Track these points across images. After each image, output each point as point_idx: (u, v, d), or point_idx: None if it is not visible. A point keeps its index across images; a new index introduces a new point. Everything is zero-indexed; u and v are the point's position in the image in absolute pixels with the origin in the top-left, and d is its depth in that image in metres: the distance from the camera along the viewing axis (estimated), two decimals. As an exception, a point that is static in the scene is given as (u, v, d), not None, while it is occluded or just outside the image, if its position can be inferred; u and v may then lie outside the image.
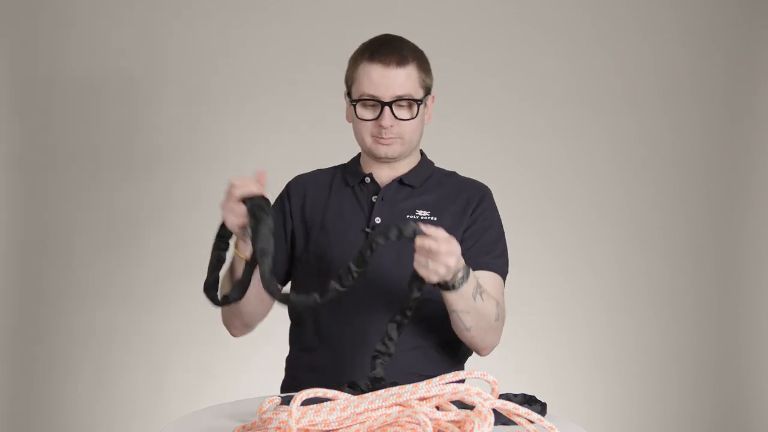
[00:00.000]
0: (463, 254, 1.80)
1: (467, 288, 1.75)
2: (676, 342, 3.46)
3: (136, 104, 3.27)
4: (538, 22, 3.42)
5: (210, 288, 1.89)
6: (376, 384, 1.60)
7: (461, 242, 1.90)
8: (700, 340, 3.48)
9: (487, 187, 2.08)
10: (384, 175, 2.03)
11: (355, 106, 1.97)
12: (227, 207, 1.83)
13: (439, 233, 1.65)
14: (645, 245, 3.45)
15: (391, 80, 1.92)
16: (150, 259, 3.27)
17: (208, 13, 3.29)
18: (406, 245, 1.69)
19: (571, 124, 3.43)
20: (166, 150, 3.28)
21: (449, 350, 1.98)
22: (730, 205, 3.50)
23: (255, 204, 1.76)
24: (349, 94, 2.00)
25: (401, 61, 1.94)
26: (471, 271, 1.75)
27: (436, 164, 2.11)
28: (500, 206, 2.09)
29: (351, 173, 2.06)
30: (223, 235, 1.89)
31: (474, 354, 2.02)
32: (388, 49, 1.94)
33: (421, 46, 2.04)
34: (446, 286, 1.73)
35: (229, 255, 1.94)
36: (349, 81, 1.99)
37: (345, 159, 2.12)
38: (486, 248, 1.99)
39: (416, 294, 1.68)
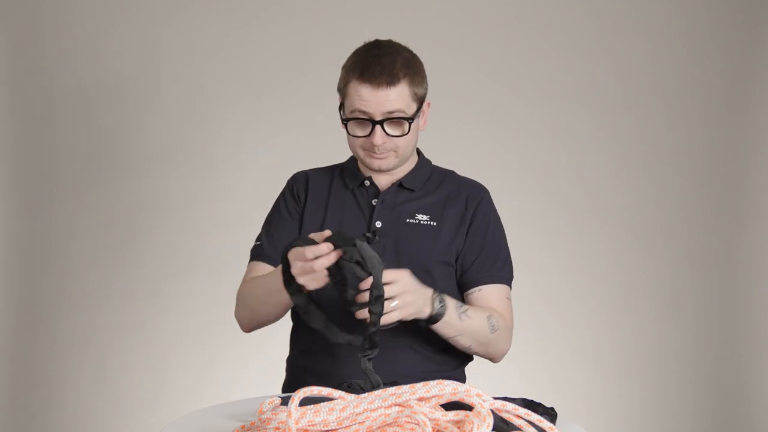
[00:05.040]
0: (468, 268, 1.94)
1: (450, 314, 1.82)
2: (676, 342, 3.46)
3: (136, 105, 3.27)
4: (537, 23, 3.42)
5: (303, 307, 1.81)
6: (374, 381, 1.60)
7: (463, 251, 1.96)
8: (700, 340, 3.48)
9: (484, 188, 2.08)
10: (383, 178, 2.03)
11: (346, 123, 1.95)
12: (308, 277, 1.70)
13: (392, 278, 1.69)
14: (645, 245, 3.45)
15: (382, 99, 1.89)
16: (150, 259, 3.27)
17: (207, 14, 3.29)
18: (405, 251, 1.80)
19: (571, 124, 3.43)
20: (166, 150, 3.28)
21: (450, 355, 1.99)
22: (729, 205, 3.50)
23: (341, 265, 1.66)
24: (342, 105, 1.97)
25: (391, 81, 1.89)
26: (445, 296, 1.82)
27: (435, 162, 2.11)
28: (499, 207, 2.09)
29: (350, 176, 2.05)
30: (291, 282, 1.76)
31: (476, 357, 2.03)
32: (378, 67, 1.89)
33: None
34: (430, 319, 1.80)
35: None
36: (342, 94, 1.97)
37: (344, 158, 2.12)
38: (489, 260, 1.99)
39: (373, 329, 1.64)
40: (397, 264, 1.87)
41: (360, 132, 1.94)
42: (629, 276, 3.45)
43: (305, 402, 1.33)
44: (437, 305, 1.80)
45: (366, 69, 1.89)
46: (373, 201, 2.00)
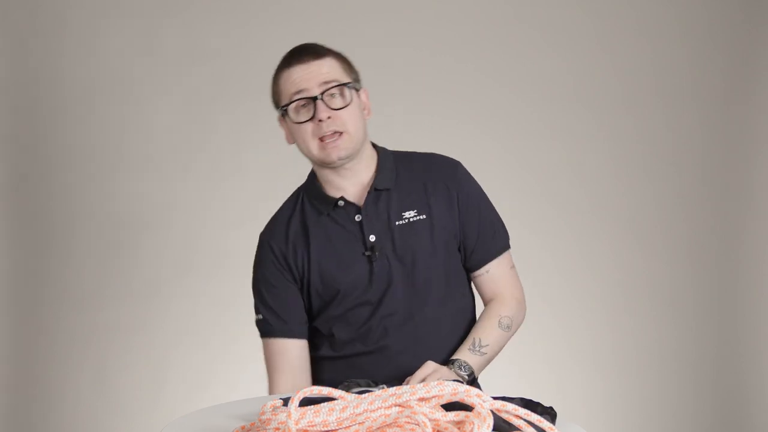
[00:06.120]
0: (472, 249, 1.98)
1: (474, 363, 1.90)
2: (676, 342, 3.46)
3: (136, 105, 3.27)
4: (537, 23, 3.41)
5: None
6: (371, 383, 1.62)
7: (462, 234, 1.98)
8: (700, 340, 3.48)
9: (455, 162, 2.05)
10: (353, 190, 1.97)
11: (288, 114, 1.91)
12: None
13: (416, 381, 1.77)
14: (645, 245, 3.45)
15: (314, 71, 1.90)
16: (150, 259, 3.27)
17: (207, 14, 3.29)
18: (406, 255, 1.87)
19: (571, 124, 3.43)
20: (166, 150, 3.28)
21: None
22: (729, 205, 3.50)
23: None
24: (282, 115, 1.95)
25: (318, 55, 1.92)
26: (457, 359, 1.88)
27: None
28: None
29: (319, 200, 1.98)
30: None
31: None
32: (301, 50, 1.94)
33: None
34: (471, 381, 1.88)
35: None
36: (276, 98, 1.96)
37: None
38: (488, 234, 2.01)
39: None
40: (402, 269, 1.91)
41: (303, 116, 1.90)
42: (629, 276, 3.45)
43: (305, 402, 1.33)
44: (463, 373, 1.86)
45: (291, 56, 1.94)
46: (356, 217, 1.95)
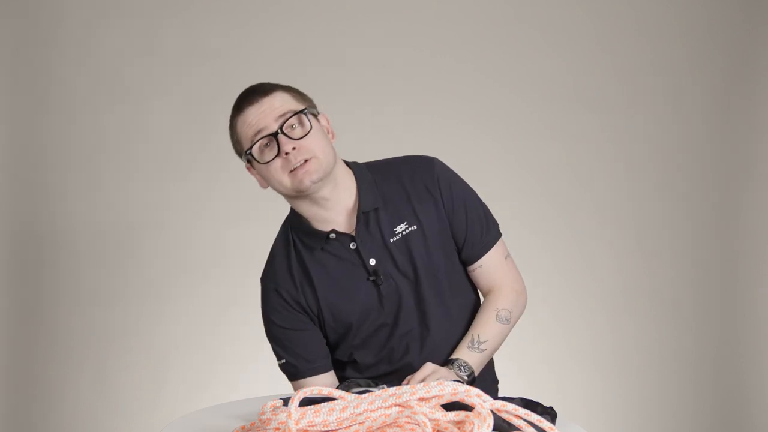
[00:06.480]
0: (463, 245, 1.96)
1: (475, 361, 1.88)
2: (676, 342, 3.46)
3: (136, 105, 3.27)
4: (537, 23, 3.41)
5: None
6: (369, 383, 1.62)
7: (453, 232, 1.97)
8: (700, 340, 3.48)
9: (430, 159, 2.00)
10: (341, 219, 1.93)
11: (253, 158, 1.87)
12: None
13: (416, 382, 1.76)
14: (645, 246, 3.45)
15: (266, 108, 1.86)
16: (150, 259, 3.27)
17: (207, 14, 3.29)
18: (408, 269, 1.89)
19: (571, 124, 3.43)
20: (166, 150, 3.28)
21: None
22: (730, 206, 3.49)
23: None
24: (248, 162, 1.91)
25: (266, 92, 1.88)
26: (455, 357, 1.88)
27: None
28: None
29: (309, 236, 1.95)
30: None
31: None
32: (248, 93, 1.90)
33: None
34: (471, 381, 1.86)
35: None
36: (238, 147, 1.92)
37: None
38: (477, 229, 1.98)
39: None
40: (408, 284, 1.91)
41: (269, 155, 1.86)
42: (629, 276, 3.45)
43: (305, 402, 1.33)
44: (463, 374, 1.85)
45: (240, 100, 1.90)
46: (351, 245, 1.92)
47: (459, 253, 1.99)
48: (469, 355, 1.89)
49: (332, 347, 1.99)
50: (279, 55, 3.30)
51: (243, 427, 1.41)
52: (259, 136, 1.85)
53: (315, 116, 1.90)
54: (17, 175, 3.24)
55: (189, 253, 3.28)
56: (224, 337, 3.21)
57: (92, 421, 3.25)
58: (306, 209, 1.92)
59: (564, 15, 3.42)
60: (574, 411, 3.18)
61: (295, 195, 1.89)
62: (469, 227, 1.97)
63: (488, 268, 2.00)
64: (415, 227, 1.93)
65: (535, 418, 1.32)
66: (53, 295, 3.25)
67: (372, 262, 1.91)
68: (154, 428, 2.89)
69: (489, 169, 3.32)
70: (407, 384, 1.67)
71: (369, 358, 1.96)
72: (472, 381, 1.87)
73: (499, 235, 2.03)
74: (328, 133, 1.93)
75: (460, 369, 1.85)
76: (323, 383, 1.95)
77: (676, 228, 3.47)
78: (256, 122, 1.85)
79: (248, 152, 1.86)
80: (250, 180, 3.27)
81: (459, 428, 1.29)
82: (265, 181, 1.91)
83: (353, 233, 1.91)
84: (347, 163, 1.97)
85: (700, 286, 3.48)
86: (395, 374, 1.93)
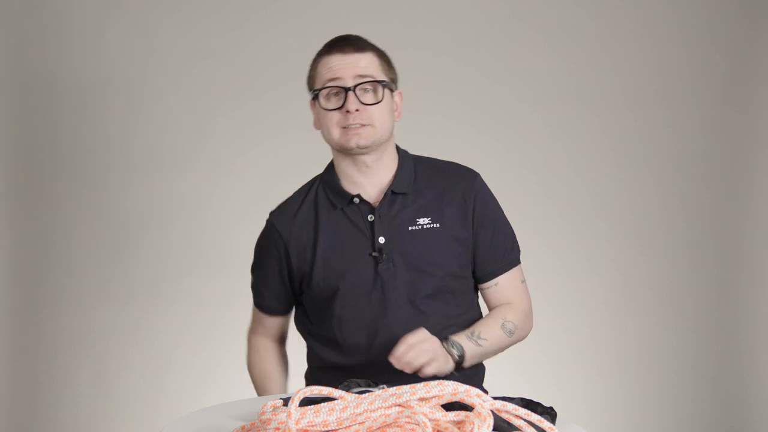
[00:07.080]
0: (482, 261, 1.97)
1: (468, 348, 1.87)
2: (676, 342, 3.46)
3: (136, 105, 3.27)
4: (537, 22, 3.42)
5: None
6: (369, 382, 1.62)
7: (474, 245, 1.97)
8: (700, 340, 3.48)
9: (474, 173, 2.04)
10: (371, 189, 1.97)
11: (319, 99, 1.92)
12: None
13: (401, 348, 1.77)
14: (645, 245, 3.45)
15: (351, 64, 1.90)
16: (150, 259, 3.27)
17: (206, 14, 3.29)
18: (415, 263, 1.88)
19: (571, 123, 3.43)
20: (166, 150, 3.28)
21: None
22: (730, 205, 3.50)
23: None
24: (313, 99, 1.96)
25: (359, 48, 1.93)
26: (452, 337, 1.87)
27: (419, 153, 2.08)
28: (501, 206, 2.09)
29: (334, 193, 1.98)
30: None
31: None
32: (344, 40, 1.95)
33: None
34: (458, 366, 1.85)
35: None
36: (311, 81, 1.96)
37: None
38: (500, 248, 2.00)
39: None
40: (408, 276, 1.91)
41: (333, 104, 1.91)
42: (630, 276, 3.45)
43: (305, 402, 1.33)
44: (454, 351, 1.84)
45: (333, 44, 1.94)
46: (369, 217, 1.94)
47: (477, 267, 2.00)
48: (465, 341, 1.88)
49: (317, 316, 1.99)
50: (279, 55, 3.31)
51: (243, 427, 1.41)
52: (331, 83, 1.90)
53: (391, 91, 1.96)
54: (17, 175, 3.24)
55: (189, 253, 3.28)
56: (224, 337, 3.20)
57: (92, 421, 3.25)
58: (345, 167, 1.97)
59: (564, 15, 3.42)
60: (574, 411, 3.18)
61: (339, 149, 1.94)
62: (493, 245, 1.99)
63: (503, 287, 2.01)
64: (437, 225, 1.95)
65: (535, 418, 1.32)
66: (53, 295, 3.25)
67: (381, 240, 1.92)
68: (154, 428, 2.90)
69: (489, 169, 3.30)
70: (399, 345, 1.76)
71: (352, 338, 1.94)
72: (460, 363, 1.86)
73: (519, 261, 2.05)
74: (395, 110, 1.99)
75: (452, 347, 1.85)
76: (269, 321, 2.09)
77: (676, 228, 3.47)
78: (335, 70, 1.90)
79: (316, 92, 1.92)
80: (251, 180, 3.29)
81: (459, 428, 1.29)
82: (319, 124, 1.96)
83: (376, 206, 1.94)
84: (397, 147, 2.03)
85: (700, 286, 3.48)
86: (371, 366, 1.90)
